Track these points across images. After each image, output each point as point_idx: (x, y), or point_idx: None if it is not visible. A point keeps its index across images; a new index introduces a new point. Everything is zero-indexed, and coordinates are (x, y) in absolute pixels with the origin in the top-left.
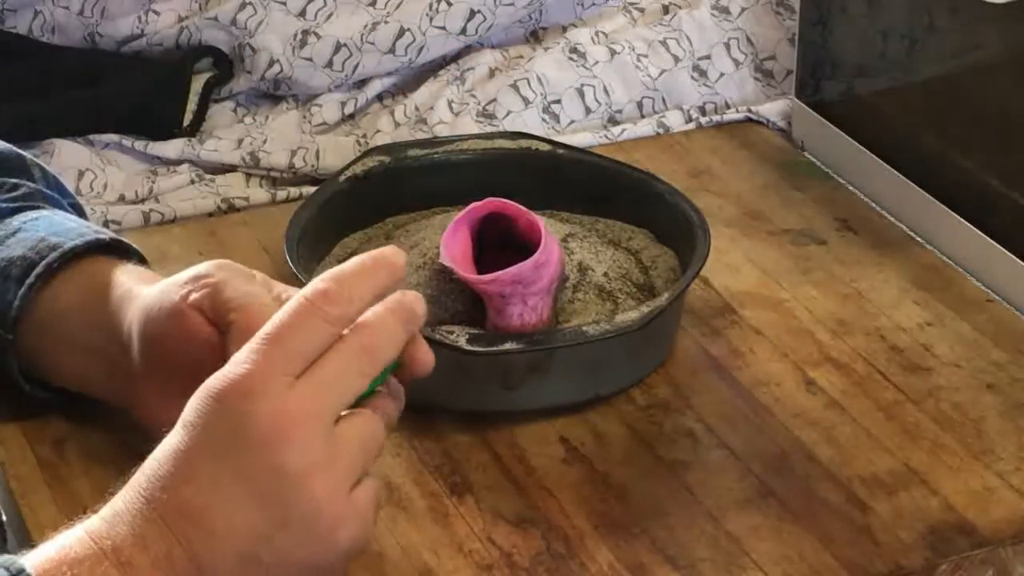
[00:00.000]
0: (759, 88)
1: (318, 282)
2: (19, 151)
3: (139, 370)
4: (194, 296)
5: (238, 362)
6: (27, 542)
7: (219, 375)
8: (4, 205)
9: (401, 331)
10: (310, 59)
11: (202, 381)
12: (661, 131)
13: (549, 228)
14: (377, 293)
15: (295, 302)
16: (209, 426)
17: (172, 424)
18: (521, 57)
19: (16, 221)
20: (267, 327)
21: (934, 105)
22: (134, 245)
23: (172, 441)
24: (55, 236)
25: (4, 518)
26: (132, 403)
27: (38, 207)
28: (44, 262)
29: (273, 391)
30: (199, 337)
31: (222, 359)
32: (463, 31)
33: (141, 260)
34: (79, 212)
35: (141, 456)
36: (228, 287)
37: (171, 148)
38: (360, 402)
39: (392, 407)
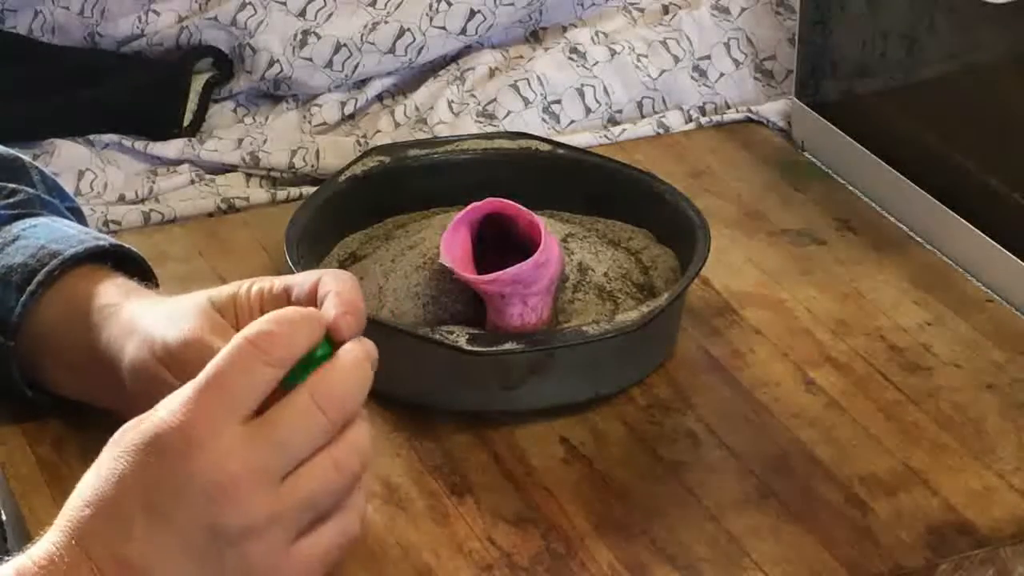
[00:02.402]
0: (759, 88)
1: (260, 323)
2: (17, 154)
3: (129, 397)
4: (170, 367)
5: (174, 409)
6: (27, 542)
7: (153, 422)
8: (3, 212)
9: (363, 378)
10: (310, 59)
11: None
12: (661, 131)
13: (549, 228)
14: (320, 336)
15: (234, 345)
16: (145, 480)
17: None
18: (521, 57)
19: (16, 228)
20: (206, 371)
21: (934, 105)
22: (134, 248)
23: (105, 491)
24: (55, 243)
25: (4, 518)
26: (123, 416)
27: (37, 214)
28: (45, 270)
29: (214, 446)
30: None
31: None
32: (463, 31)
33: (142, 264)
34: (78, 215)
35: None
36: (202, 359)
37: (171, 148)
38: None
39: (365, 441)
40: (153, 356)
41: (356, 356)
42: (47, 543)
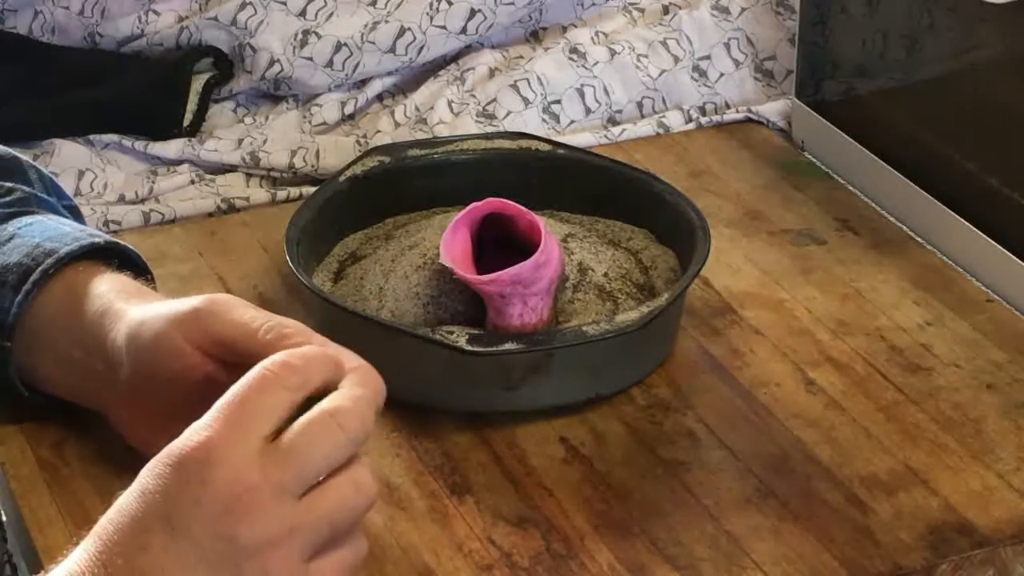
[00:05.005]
0: (759, 88)
1: (276, 356)
2: (15, 153)
3: (126, 391)
4: (184, 330)
5: (198, 428)
6: (27, 542)
7: (179, 441)
8: None
9: (373, 410)
10: (310, 59)
11: (192, 411)
12: (661, 131)
13: (549, 228)
14: (335, 379)
15: (253, 372)
16: (166, 492)
17: (153, 447)
18: (521, 57)
19: (11, 227)
20: (227, 394)
21: (934, 105)
22: (132, 247)
23: (128, 505)
24: (50, 242)
25: (4, 518)
26: (115, 420)
27: (33, 212)
28: (40, 268)
29: (233, 459)
30: (192, 368)
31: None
32: (463, 30)
33: (139, 262)
34: (75, 214)
35: (136, 463)
36: (219, 320)
37: (171, 148)
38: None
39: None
40: (169, 325)
41: (369, 376)
42: (71, 561)
